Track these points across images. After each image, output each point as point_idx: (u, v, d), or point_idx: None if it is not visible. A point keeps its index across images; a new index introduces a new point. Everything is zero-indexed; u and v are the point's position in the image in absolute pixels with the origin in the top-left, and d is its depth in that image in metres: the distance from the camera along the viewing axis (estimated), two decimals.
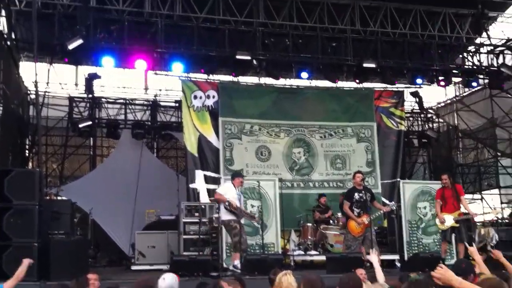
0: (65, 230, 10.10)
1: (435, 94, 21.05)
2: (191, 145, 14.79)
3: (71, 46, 13.21)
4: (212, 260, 10.52)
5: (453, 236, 10.61)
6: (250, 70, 15.65)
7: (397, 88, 17.39)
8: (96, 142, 18.66)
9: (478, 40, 17.98)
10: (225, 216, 10.07)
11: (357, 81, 16.08)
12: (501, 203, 19.40)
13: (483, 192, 20.03)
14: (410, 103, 19.12)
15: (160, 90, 18.74)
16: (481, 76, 16.95)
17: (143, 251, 11.83)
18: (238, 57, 14.49)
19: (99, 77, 15.51)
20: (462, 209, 10.56)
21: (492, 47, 17.18)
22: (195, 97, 15.18)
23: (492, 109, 18.29)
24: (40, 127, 14.16)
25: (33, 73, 13.48)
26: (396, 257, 11.90)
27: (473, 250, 5.89)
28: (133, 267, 9.89)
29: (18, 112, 15.47)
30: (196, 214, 12.05)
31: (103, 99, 17.48)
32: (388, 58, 16.03)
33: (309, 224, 12.56)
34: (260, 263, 9.62)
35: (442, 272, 3.62)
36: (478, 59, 17.16)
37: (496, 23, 18.35)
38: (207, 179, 14.60)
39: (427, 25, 16.78)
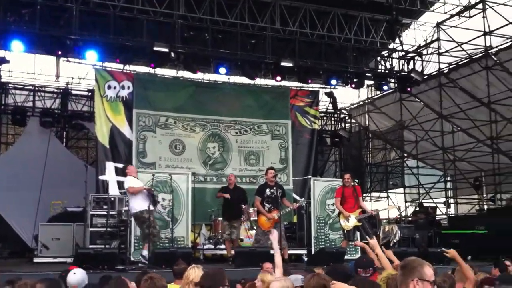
0: None
1: (348, 95, 21.70)
2: (103, 136, 14.40)
3: None
4: (120, 253, 10.33)
5: (358, 234, 10.88)
6: (168, 62, 15.42)
7: (312, 88, 17.73)
8: (1, 129, 17.71)
9: (391, 46, 18.64)
10: (137, 207, 9.90)
11: (279, 78, 16.18)
12: (405, 201, 20.35)
13: (389, 191, 20.94)
14: (324, 103, 19.59)
15: (73, 78, 18.09)
16: (392, 80, 17.51)
17: (47, 243, 11.37)
18: (155, 48, 14.18)
19: (7, 61, 14.76)
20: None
21: (403, 53, 17.82)
22: (109, 87, 14.79)
23: (401, 112, 19.05)
24: None
25: None
26: (304, 251, 12.12)
27: (373, 243, 6.07)
28: (36, 260, 9.50)
29: None
30: (105, 206, 11.73)
31: (10, 85, 16.69)
32: (305, 58, 16.25)
33: (220, 219, 12.53)
34: (168, 256, 9.48)
35: (336, 286, 3.73)
36: (390, 63, 17.76)
37: (409, 30, 19.09)
38: (118, 171, 14.22)
39: (344, 28, 17.20)
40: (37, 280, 4.78)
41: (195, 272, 5.17)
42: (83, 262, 8.53)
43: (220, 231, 11.36)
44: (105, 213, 11.57)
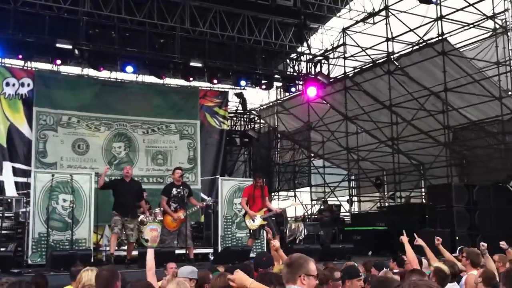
0: None
1: (258, 97, 21.96)
2: (0, 135, 13.73)
3: None
4: (16, 256, 9.86)
5: (263, 232, 10.95)
6: (72, 60, 14.92)
7: (222, 88, 17.77)
8: None
9: (299, 49, 19.05)
10: None
11: (191, 79, 16.04)
12: (311, 200, 20.82)
13: (296, 190, 21.39)
14: (234, 103, 19.69)
15: None
16: (301, 82, 17.87)
17: None
18: (58, 45, 13.73)
19: None
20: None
21: (311, 56, 18.24)
22: (7, 84, 14.13)
23: (309, 114, 19.47)
24: None
25: None
26: (211, 250, 12.09)
27: (276, 244, 6.19)
28: None
29: None
30: (0, 208, 11.15)
31: None
32: (215, 59, 16.28)
33: None
34: (67, 258, 9.13)
35: (236, 276, 3.72)
36: (299, 66, 18.13)
37: (317, 34, 19.59)
38: (16, 172, 13.69)
39: (254, 31, 17.39)
40: None
41: (87, 275, 5.04)
42: None
43: (112, 225, 10.53)
44: (0, 214, 11.00)
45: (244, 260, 9.06)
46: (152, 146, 15.63)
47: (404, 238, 6.75)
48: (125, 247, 10.96)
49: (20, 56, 14.67)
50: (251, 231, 10.76)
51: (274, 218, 11.26)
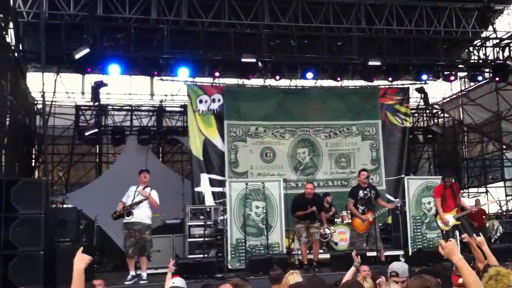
0: (71, 237, 10.23)
1: (440, 89, 21.03)
2: (196, 149, 14.93)
3: (78, 55, 13.44)
4: (217, 261, 10.64)
5: (456, 232, 10.56)
6: (256, 72, 15.69)
7: (402, 85, 17.41)
8: (102, 149, 18.81)
9: (484, 34, 17.92)
10: None
11: (373, 79, 15.99)
12: (506, 195, 19.33)
13: (488, 185, 20.02)
14: (415, 99, 19.10)
15: (166, 95, 18.90)
16: (487, 70, 16.84)
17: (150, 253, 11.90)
18: (243, 60, 14.60)
19: (105, 85, 15.73)
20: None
21: (498, 40, 17.09)
22: (201, 101, 15.31)
23: (498, 102, 18.21)
24: (46, 136, 14.34)
25: (40, 84, 13.73)
26: (401, 252, 11.93)
27: (481, 240, 5.86)
28: (138, 272, 9.99)
29: (25, 122, 15.74)
30: (201, 217, 12.14)
31: (109, 107, 17.74)
32: (393, 55, 16.04)
33: None
34: (264, 263, 9.69)
35: (448, 245, 3.73)
36: (484, 53, 17.11)
37: (502, 16, 18.27)
38: (212, 182, 14.76)
39: (433, 21, 16.80)
40: None
41: (293, 278, 5.31)
42: (184, 272, 8.85)
43: (297, 235, 10.81)
44: (202, 223, 11.99)
45: (438, 262, 8.82)
46: (335, 150, 15.83)
47: None
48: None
49: (208, 74, 15.78)
50: (444, 232, 10.43)
51: (466, 217, 10.72)
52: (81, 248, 3.88)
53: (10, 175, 12.17)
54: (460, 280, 4.60)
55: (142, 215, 9.55)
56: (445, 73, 16.45)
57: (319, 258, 10.88)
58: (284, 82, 17.60)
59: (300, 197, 11.05)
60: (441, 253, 3.76)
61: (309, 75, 15.75)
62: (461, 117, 20.63)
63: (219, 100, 15.47)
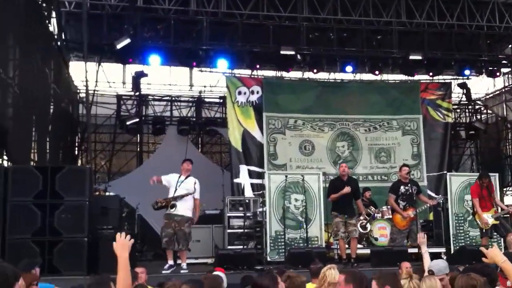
0: (114, 225, 10.28)
1: (483, 85, 20.61)
2: (235, 140, 14.98)
3: (119, 46, 13.61)
4: (256, 253, 10.61)
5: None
6: (294, 65, 15.66)
7: (444, 80, 17.11)
8: (142, 138, 19.04)
9: None
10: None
11: (415, 74, 15.80)
12: None
13: None
14: (457, 94, 18.79)
15: (205, 86, 18.97)
16: None
17: (189, 245, 11.97)
18: (282, 52, 14.58)
19: (146, 75, 15.90)
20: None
21: None
22: (240, 92, 15.34)
23: None
24: (89, 124, 14.56)
25: (82, 73, 13.91)
26: (443, 250, 11.74)
27: None
28: (178, 261, 10.07)
29: (68, 110, 16.01)
30: (241, 208, 12.15)
31: (149, 97, 17.86)
32: (434, 50, 15.80)
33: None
34: (303, 256, 9.61)
35: (490, 251, 3.72)
36: None
37: None
38: (251, 174, 14.79)
39: (475, 16, 16.45)
40: (183, 281, 5.08)
41: (331, 274, 5.23)
42: (223, 262, 8.86)
43: (334, 229, 10.48)
44: (241, 214, 11.99)
45: (482, 260, 8.64)
46: (375, 144, 15.69)
47: None
48: (359, 245, 11.07)
49: (247, 66, 15.79)
50: (484, 231, 10.30)
51: (503, 216, 10.54)
52: (122, 234, 3.79)
53: (54, 162, 12.39)
54: (509, 283, 4.50)
55: (184, 207, 9.55)
56: (489, 68, 16.14)
57: (358, 253, 10.77)
58: (323, 75, 17.49)
59: (335, 180, 10.92)
60: (484, 260, 3.69)
61: (349, 68, 15.69)
62: (505, 113, 20.18)
63: (257, 92, 15.48)
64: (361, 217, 11.43)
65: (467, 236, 11.65)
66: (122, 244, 3.71)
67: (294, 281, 5.11)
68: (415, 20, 16.19)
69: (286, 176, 11.58)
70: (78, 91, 17.14)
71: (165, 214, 9.57)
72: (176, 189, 9.57)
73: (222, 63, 14.78)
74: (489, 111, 20.32)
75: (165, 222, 9.56)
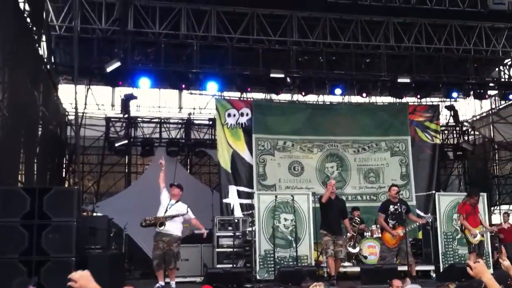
0: (102, 245, 10.24)
1: (470, 107, 20.90)
2: (225, 162, 15.04)
3: (109, 69, 13.67)
4: (246, 272, 10.57)
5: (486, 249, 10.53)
6: (284, 87, 15.78)
7: (432, 102, 17.31)
8: (131, 160, 19.05)
9: None
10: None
11: (403, 96, 16.03)
12: None
13: None
14: (445, 116, 19.01)
15: (194, 108, 19.14)
16: None
17: (177, 264, 11.89)
18: (272, 75, 14.73)
19: (135, 97, 15.98)
20: None
21: None
22: (229, 115, 15.44)
23: None
24: (78, 146, 14.52)
25: (71, 95, 13.93)
26: (432, 267, 11.75)
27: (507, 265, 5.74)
28: (167, 279, 10.01)
29: (56, 132, 15.96)
30: (230, 227, 12.12)
31: (138, 119, 17.87)
32: (422, 73, 16.01)
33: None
34: (293, 274, 9.60)
35: (476, 265, 3.66)
36: None
37: None
38: (240, 194, 14.84)
39: (462, 40, 16.75)
40: None
41: None
42: (213, 281, 8.83)
43: (324, 247, 10.46)
44: (230, 234, 11.95)
45: (470, 277, 8.64)
46: (364, 165, 15.78)
47: None
48: (346, 263, 11.08)
49: (237, 89, 15.90)
50: (472, 245, 10.37)
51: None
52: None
53: (41, 184, 12.31)
54: None
55: (173, 226, 9.56)
56: (476, 91, 16.34)
57: (349, 271, 10.77)
58: (312, 98, 17.64)
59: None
60: (470, 273, 3.71)
61: (338, 91, 15.79)
62: (492, 135, 20.41)
63: (247, 114, 15.57)
64: (349, 234, 11.44)
65: (456, 254, 11.67)
66: (81, 276, 3.20)
67: None
68: (403, 44, 16.46)
69: (276, 196, 11.54)
70: (67, 113, 17.16)
71: (155, 234, 9.55)
72: (166, 210, 9.60)
73: (212, 86, 14.88)
74: (476, 133, 20.54)
75: (154, 244, 9.56)
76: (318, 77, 15.79)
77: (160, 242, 9.40)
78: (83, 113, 15.18)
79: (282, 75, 14.82)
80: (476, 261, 3.77)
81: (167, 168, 15.61)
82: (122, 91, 16.63)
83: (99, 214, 12.96)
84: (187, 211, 9.69)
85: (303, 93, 15.96)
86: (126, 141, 16.69)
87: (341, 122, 16.07)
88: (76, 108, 13.73)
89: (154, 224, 9.46)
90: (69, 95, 15.91)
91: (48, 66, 14.50)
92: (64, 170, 17.00)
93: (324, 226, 10.52)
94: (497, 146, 20.74)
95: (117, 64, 13.67)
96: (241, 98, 16.39)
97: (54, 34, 14.69)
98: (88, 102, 15.48)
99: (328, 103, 17.73)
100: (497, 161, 20.97)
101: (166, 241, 9.39)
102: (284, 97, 17.66)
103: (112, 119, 17.36)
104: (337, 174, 15.55)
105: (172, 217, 9.52)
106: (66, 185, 16.12)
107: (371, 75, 16.10)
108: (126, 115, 16.53)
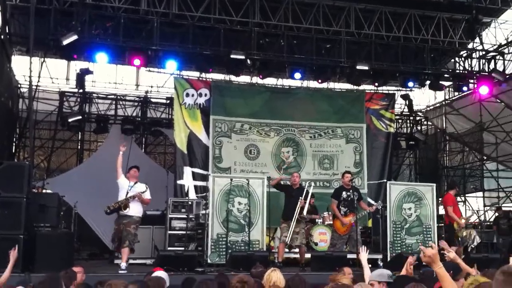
0: (51, 223, 10.13)
1: (424, 97, 21.27)
2: (181, 142, 14.91)
3: (65, 42, 13.23)
4: (198, 255, 10.59)
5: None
6: (244, 69, 15.69)
7: (388, 90, 17.52)
8: (84, 136, 18.75)
9: (470, 45, 18.12)
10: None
11: (361, 84, 16.09)
12: (484, 206, 19.66)
13: (467, 195, 20.27)
14: (399, 105, 19.30)
15: (152, 87, 18.84)
16: (472, 81, 17.03)
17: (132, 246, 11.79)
18: (232, 56, 14.55)
19: (91, 72, 15.60)
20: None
21: (484, 52, 17.29)
22: (187, 94, 15.29)
23: (481, 114, 18.46)
24: (32, 120, 14.15)
25: (25, 67, 13.49)
26: (379, 256, 12.00)
27: (445, 245, 5.94)
28: (116, 261, 9.92)
29: (8, 105, 15.48)
30: (183, 210, 12.09)
31: (94, 94, 17.45)
32: (381, 61, 16.11)
33: None
34: (245, 259, 9.69)
35: (430, 252, 3.69)
36: (470, 64, 17.29)
37: (489, 29, 18.48)
38: (195, 176, 14.76)
39: (421, 29, 16.92)
40: (127, 282, 4.99)
41: (276, 275, 5.32)
42: (164, 263, 8.78)
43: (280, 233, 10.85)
44: (183, 216, 11.93)
45: (418, 268, 8.87)
46: (319, 151, 15.90)
47: None
48: (296, 250, 11.20)
49: (196, 68, 15.72)
50: (460, 239, 10.80)
51: None
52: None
53: None
54: None
55: (136, 209, 9.72)
56: (431, 81, 16.61)
57: (298, 257, 10.98)
58: (270, 81, 17.61)
59: (288, 185, 11.43)
60: (422, 259, 3.73)
61: (297, 75, 15.75)
62: (444, 126, 20.85)
63: (205, 95, 15.46)
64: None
65: (404, 243, 11.93)
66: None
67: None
68: (363, 31, 16.51)
69: (231, 180, 11.56)
70: (20, 85, 16.66)
71: (116, 218, 9.61)
72: (127, 192, 9.65)
73: (171, 64, 14.60)
74: (429, 123, 20.97)
75: (115, 229, 9.64)
76: (278, 60, 15.71)
77: (122, 225, 9.49)
78: (36, 86, 14.72)
79: (243, 57, 14.66)
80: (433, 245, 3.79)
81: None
82: (77, 65, 16.19)
83: (49, 191, 12.69)
84: (146, 189, 9.84)
85: (261, 76, 15.94)
86: (80, 117, 16.29)
87: (299, 106, 16.09)
88: (30, 80, 13.32)
89: (119, 208, 9.49)
90: (22, 67, 15.43)
91: (2, 36, 14.02)
92: (14, 144, 16.57)
93: (285, 214, 10.92)
94: (448, 137, 21.24)
95: (74, 37, 13.26)
96: (200, 78, 16.20)
97: (9, 3, 14.16)
98: (42, 75, 15.05)
99: (287, 87, 17.76)
100: (447, 152, 21.51)
101: (125, 222, 9.47)
102: (244, 79, 17.57)
103: (66, 94, 16.90)
104: (293, 159, 15.65)
105: (134, 197, 9.59)
106: (15, 160, 15.75)
107: (331, 60, 16.10)
108: (81, 90, 16.14)
